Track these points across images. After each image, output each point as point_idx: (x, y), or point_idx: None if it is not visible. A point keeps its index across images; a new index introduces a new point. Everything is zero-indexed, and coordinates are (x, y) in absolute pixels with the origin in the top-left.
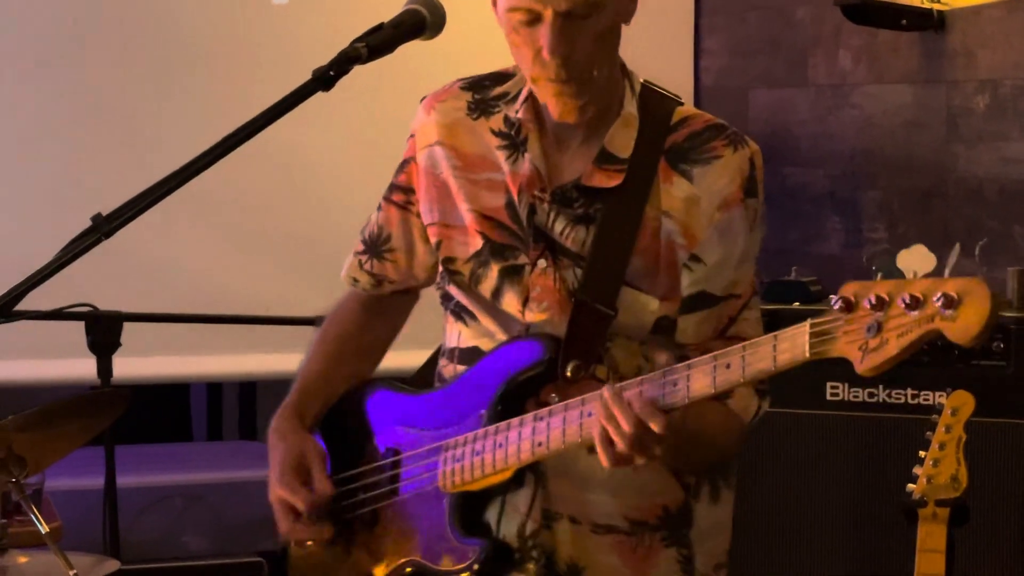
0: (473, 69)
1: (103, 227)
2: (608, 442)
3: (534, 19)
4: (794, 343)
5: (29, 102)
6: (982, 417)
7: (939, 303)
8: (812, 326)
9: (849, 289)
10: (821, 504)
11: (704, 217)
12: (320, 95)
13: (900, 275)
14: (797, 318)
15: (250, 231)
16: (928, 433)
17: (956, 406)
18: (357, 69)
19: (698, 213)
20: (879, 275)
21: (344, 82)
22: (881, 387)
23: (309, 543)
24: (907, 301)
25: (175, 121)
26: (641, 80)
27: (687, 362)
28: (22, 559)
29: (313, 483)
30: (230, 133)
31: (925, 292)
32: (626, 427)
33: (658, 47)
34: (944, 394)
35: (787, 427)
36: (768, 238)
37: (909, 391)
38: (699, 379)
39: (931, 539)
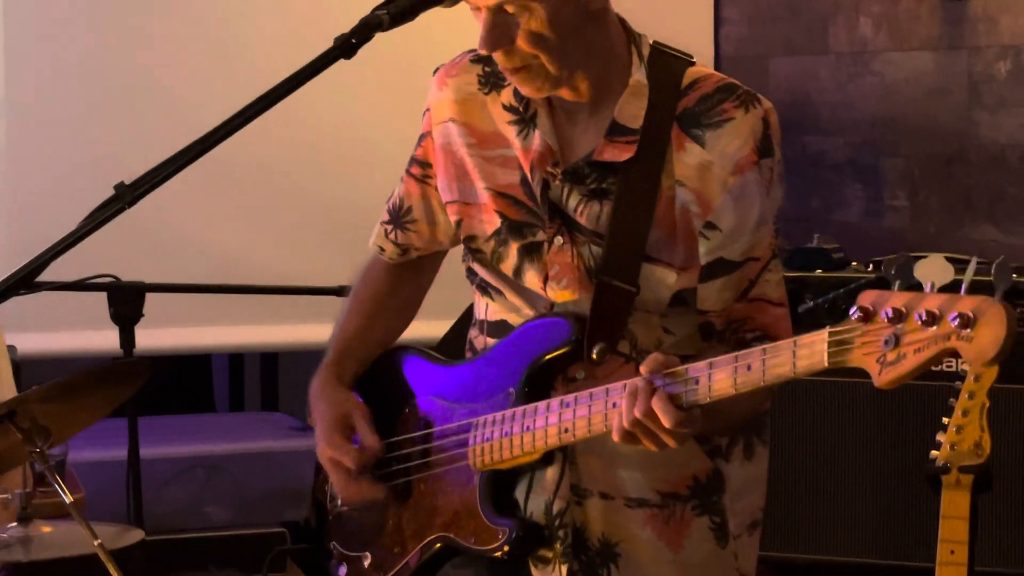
0: None
1: (126, 196)
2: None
3: (475, 9)
4: (813, 350)
5: (51, 71)
6: (1006, 383)
7: (955, 323)
8: (831, 335)
9: (867, 298)
10: (844, 470)
11: (717, 183)
12: (343, 63)
13: (918, 285)
14: (820, 285)
15: (273, 202)
16: (951, 400)
17: (979, 372)
18: (379, 37)
19: (711, 179)
20: (896, 284)
21: (367, 50)
22: None
23: (356, 504)
24: (923, 317)
25: (198, 90)
26: (650, 42)
27: (708, 360)
28: (46, 528)
29: (361, 439)
30: (252, 102)
31: (941, 308)
32: (638, 415)
33: (678, 16)
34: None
35: (809, 394)
36: (789, 206)
37: None
38: (720, 379)
39: (954, 506)
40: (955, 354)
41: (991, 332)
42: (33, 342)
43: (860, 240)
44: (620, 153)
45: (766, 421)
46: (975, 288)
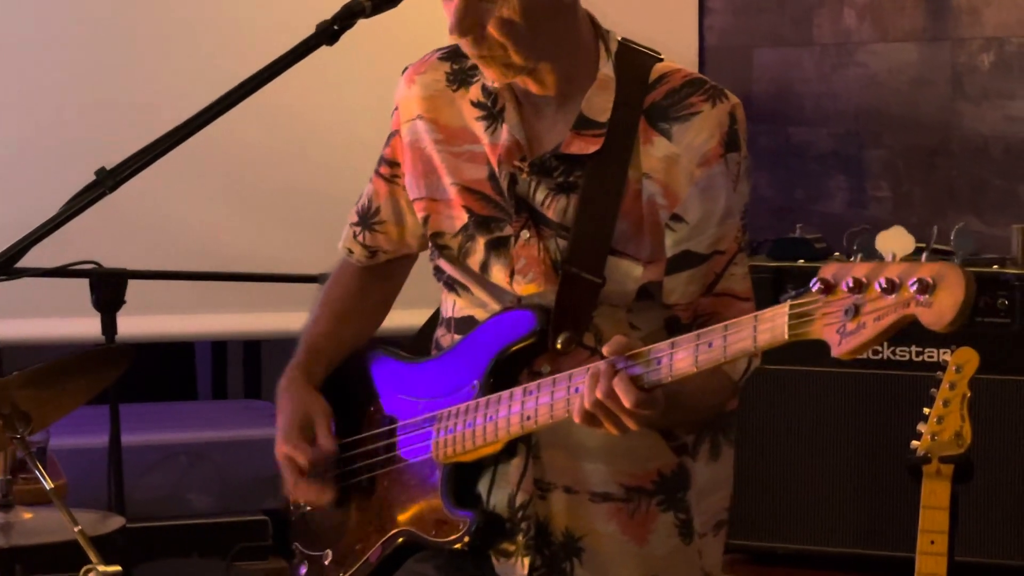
0: None
1: (107, 181)
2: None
3: None
4: (774, 324)
5: (30, 55)
6: (986, 374)
7: (914, 288)
8: (791, 307)
9: (828, 271)
10: (825, 460)
11: (684, 175)
12: (326, 50)
13: (879, 257)
14: (801, 275)
15: (256, 189)
16: (932, 390)
17: (960, 363)
18: (363, 24)
19: (678, 172)
20: (858, 256)
21: (349, 37)
22: (886, 344)
23: (309, 505)
24: (883, 285)
25: (179, 75)
26: (619, 38)
27: (670, 340)
28: (27, 515)
29: (317, 440)
30: (233, 88)
31: (901, 276)
32: (599, 395)
33: (662, 6)
34: (948, 351)
35: (791, 384)
36: (773, 196)
37: (913, 348)
38: (682, 357)
39: (935, 496)
40: (915, 320)
41: (950, 296)
42: (14, 329)
43: (843, 231)
44: (587, 146)
45: (732, 421)
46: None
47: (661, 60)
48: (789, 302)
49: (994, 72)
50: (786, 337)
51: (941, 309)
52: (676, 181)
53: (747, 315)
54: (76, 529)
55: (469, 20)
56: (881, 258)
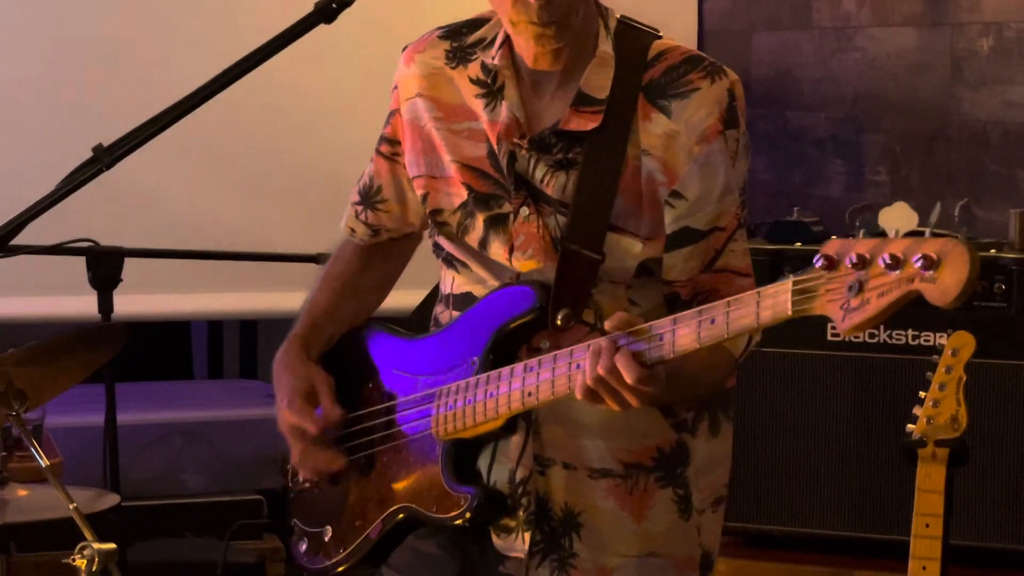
0: (478, 6)
1: (104, 158)
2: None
3: None
4: (777, 300)
5: (28, 30)
6: (983, 358)
7: (918, 264)
8: (795, 283)
9: (832, 247)
10: (821, 444)
11: (683, 152)
12: (326, 30)
13: (882, 233)
14: (799, 258)
15: (252, 168)
16: (928, 374)
17: (957, 347)
18: (360, 2)
19: (677, 148)
20: (861, 233)
21: (347, 15)
22: (882, 328)
23: (318, 475)
24: (887, 261)
25: (177, 53)
26: (617, 16)
27: (672, 316)
28: (22, 492)
29: (324, 408)
30: (232, 65)
31: (905, 252)
32: (601, 371)
33: None
34: (945, 335)
35: (788, 367)
36: (771, 180)
37: (910, 332)
38: (684, 334)
39: (930, 479)
40: (920, 296)
41: (955, 273)
42: (10, 307)
43: (841, 215)
44: (586, 123)
45: (731, 398)
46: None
47: (660, 37)
48: (792, 278)
49: (993, 57)
50: (789, 313)
51: (946, 285)
52: (675, 157)
53: (749, 291)
54: (71, 507)
55: None
56: (884, 235)
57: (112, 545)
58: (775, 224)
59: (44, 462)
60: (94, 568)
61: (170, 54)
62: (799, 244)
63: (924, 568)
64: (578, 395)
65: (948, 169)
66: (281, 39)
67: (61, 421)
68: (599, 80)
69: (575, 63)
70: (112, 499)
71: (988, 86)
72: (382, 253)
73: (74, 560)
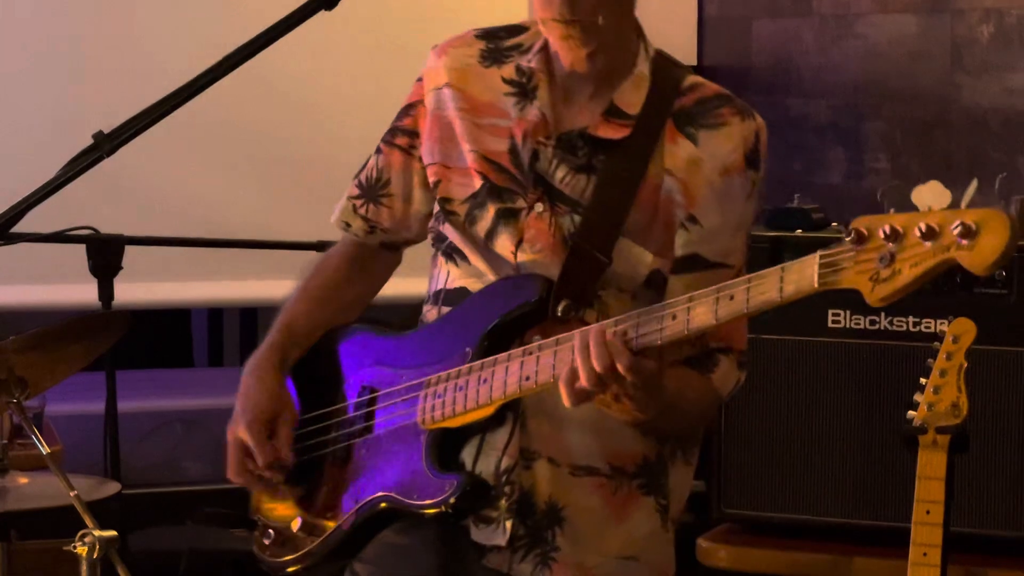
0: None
1: (104, 145)
2: (573, 375)
3: None
4: (802, 274)
5: (29, 20)
6: (983, 345)
7: (956, 232)
8: (822, 257)
9: (862, 221)
10: (822, 430)
11: (705, 179)
12: (326, 18)
13: (914, 209)
14: (799, 245)
15: (253, 156)
16: (929, 360)
17: (958, 333)
18: None
19: (699, 175)
20: (891, 210)
21: (349, 3)
22: (883, 314)
23: (246, 487)
24: (923, 231)
25: (177, 40)
26: (655, 49)
27: (689, 295)
28: (23, 480)
29: (277, 445)
30: (232, 52)
31: (942, 222)
32: (595, 364)
33: None
34: (946, 322)
35: (788, 354)
36: (770, 168)
37: (911, 318)
38: (701, 312)
39: (931, 466)
40: (956, 265)
41: (994, 238)
42: (10, 294)
43: (841, 202)
44: (615, 132)
45: (698, 441)
46: None
47: (692, 74)
48: (820, 252)
49: (993, 44)
50: (815, 286)
51: (983, 252)
52: (696, 183)
53: (772, 267)
54: (72, 494)
55: None
56: (917, 211)
57: (113, 533)
58: (775, 211)
59: (45, 450)
60: (95, 556)
61: (171, 41)
62: (799, 231)
63: (925, 555)
64: (583, 381)
65: (948, 157)
66: (282, 25)
67: (62, 409)
68: (632, 97)
69: (610, 76)
70: (113, 487)
71: (989, 73)
72: (364, 265)
73: (75, 548)
